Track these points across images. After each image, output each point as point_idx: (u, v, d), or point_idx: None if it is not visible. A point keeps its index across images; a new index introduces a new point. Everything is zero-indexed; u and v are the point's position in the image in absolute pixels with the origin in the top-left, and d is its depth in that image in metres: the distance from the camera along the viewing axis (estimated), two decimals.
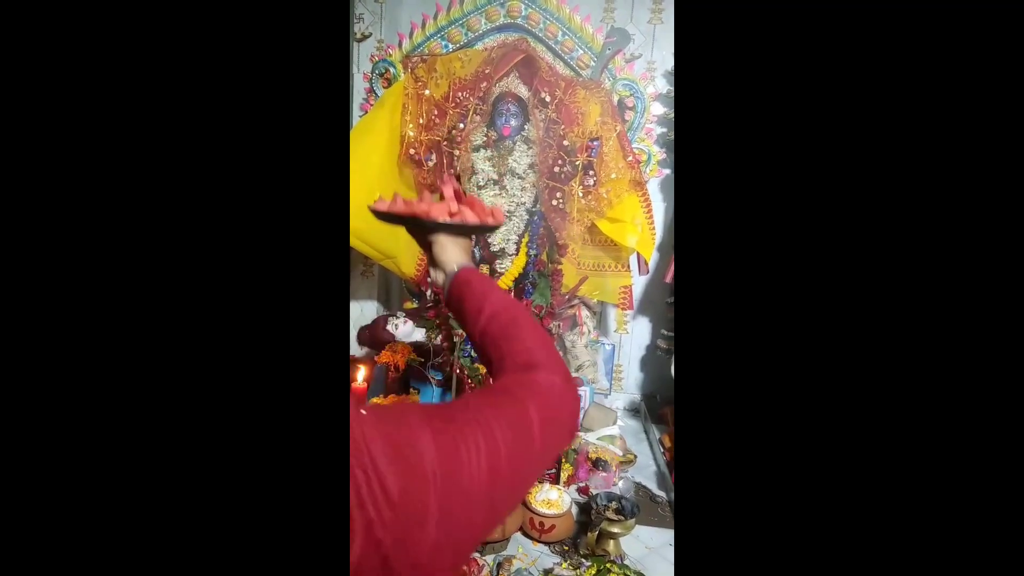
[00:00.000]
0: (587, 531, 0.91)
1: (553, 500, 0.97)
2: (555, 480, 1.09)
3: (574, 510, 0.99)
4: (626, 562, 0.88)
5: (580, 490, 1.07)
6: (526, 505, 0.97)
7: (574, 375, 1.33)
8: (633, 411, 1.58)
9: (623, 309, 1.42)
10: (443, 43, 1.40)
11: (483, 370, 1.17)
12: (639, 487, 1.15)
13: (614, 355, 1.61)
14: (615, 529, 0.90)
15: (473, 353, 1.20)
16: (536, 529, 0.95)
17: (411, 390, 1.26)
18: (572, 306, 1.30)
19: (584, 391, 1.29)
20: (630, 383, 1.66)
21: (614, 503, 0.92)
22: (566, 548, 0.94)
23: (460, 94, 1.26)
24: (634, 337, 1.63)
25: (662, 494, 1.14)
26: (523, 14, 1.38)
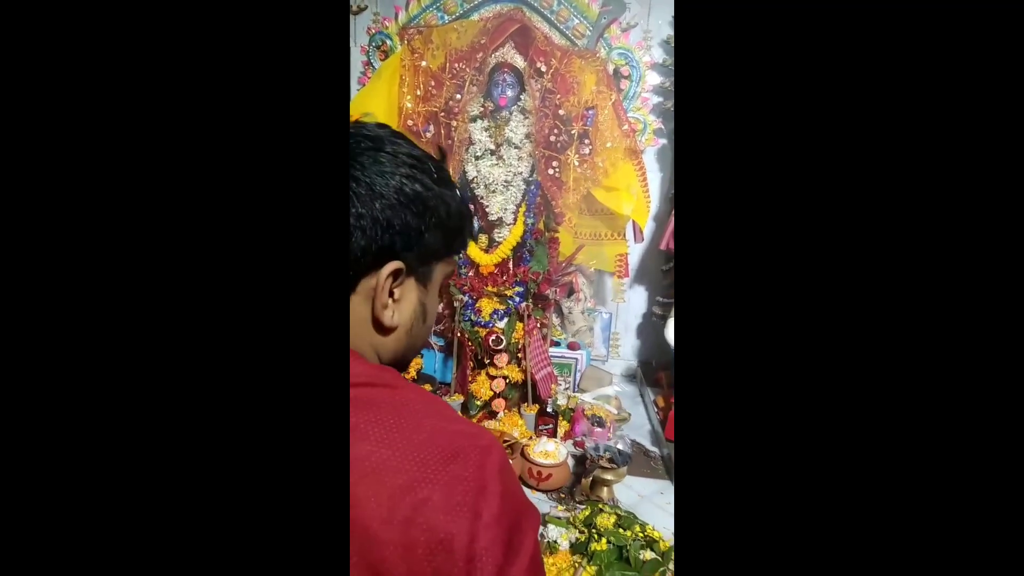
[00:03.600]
0: (582, 479, 0.97)
1: (550, 451, 1.03)
2: (553, 434, 1.15)
3: (570, 462, 1.05)
4: (627, 510, 0.94)
5: (576, 444, 1.13)
6: (524, 456, 1.03)
7: (571, 340, 1.38)
8: (630, 376, 1.63)
9: (619, 277, 1.46)
10: (439, 14, 1.41)
11: (483, 333, 1.22)
12: (634, 443, 1.21)
13: (611, 323, 1.65)
14: (608, 476, 0.96)
15: (473, 317, 1.25)
16: (534, 478, 1.01)
17: None
18: (569, 274, 1.34)
19: (580, 355, 1.34)
20: (627, 350, 1.71)
21: (607, 452, 0.98)
22: (563, 496, 1.00)
23: (456, 65, 1.28)
24: (631, 305, 1.67)
25: (655, 449, 1.20)
26: None
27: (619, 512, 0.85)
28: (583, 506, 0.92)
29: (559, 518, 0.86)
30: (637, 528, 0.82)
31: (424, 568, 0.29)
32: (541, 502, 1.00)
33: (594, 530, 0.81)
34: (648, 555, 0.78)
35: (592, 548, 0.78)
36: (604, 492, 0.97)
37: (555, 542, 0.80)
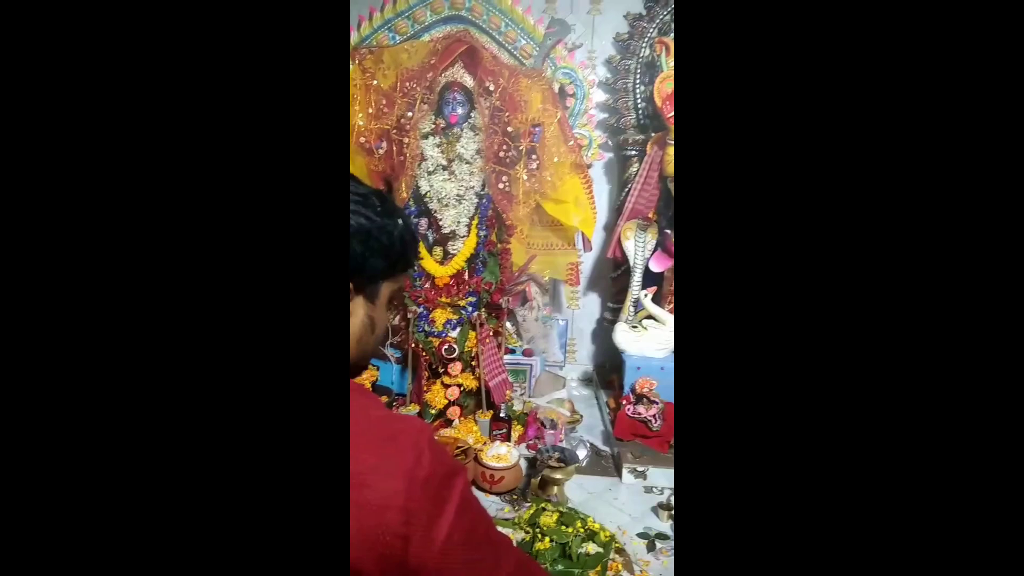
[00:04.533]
0: (531, 480, 1.01)
1: (503, 455, 1.07)
2: (506, 438, 1.19)
3: (523, 463, 1.10)
4: (569, 506, 0.98)
5: (529, 447, 1.17)
6: (477, 461, 1.06)
7: (525, 347, 1.43)
8: (586, 380, 1.69)
9: (571, 284, 1.52)
10: (390, 35, 1.45)
11: (436, 343, 1.26)
12: (583, 441, 1.26)
13: (567, 330, 1.72)
14: (557, 476, 1.01)
15: (427, 328, 1.28)
16: (487, 481, 1.05)
17: (370, 367, 1.33)
18: (521, 283, 1.39)
19: (534, 361, 1.39)
20: (583, 355, 1.78)
21: (556, 453, 1.03)
22: (514, 497, 1.04)
23: (407, 84, 1.32)
24: (585, 312, 1.74)
25: (607, 449, 1.26)
26: (467, 6, 1.44)
27: (561, 509, 0.89)
28: (528, 503, 0.97)
29: (506, 519, 0.90)
30: (579, 524, 0.85)
31: (373, 522, 0.37)
32: (493, 504, 1.04)
33: (538, 529, 0.85)
34: (591, 548, 0.82)
35: (536, 548, 0.82)
36: (554, 491, 1.02)
37: None
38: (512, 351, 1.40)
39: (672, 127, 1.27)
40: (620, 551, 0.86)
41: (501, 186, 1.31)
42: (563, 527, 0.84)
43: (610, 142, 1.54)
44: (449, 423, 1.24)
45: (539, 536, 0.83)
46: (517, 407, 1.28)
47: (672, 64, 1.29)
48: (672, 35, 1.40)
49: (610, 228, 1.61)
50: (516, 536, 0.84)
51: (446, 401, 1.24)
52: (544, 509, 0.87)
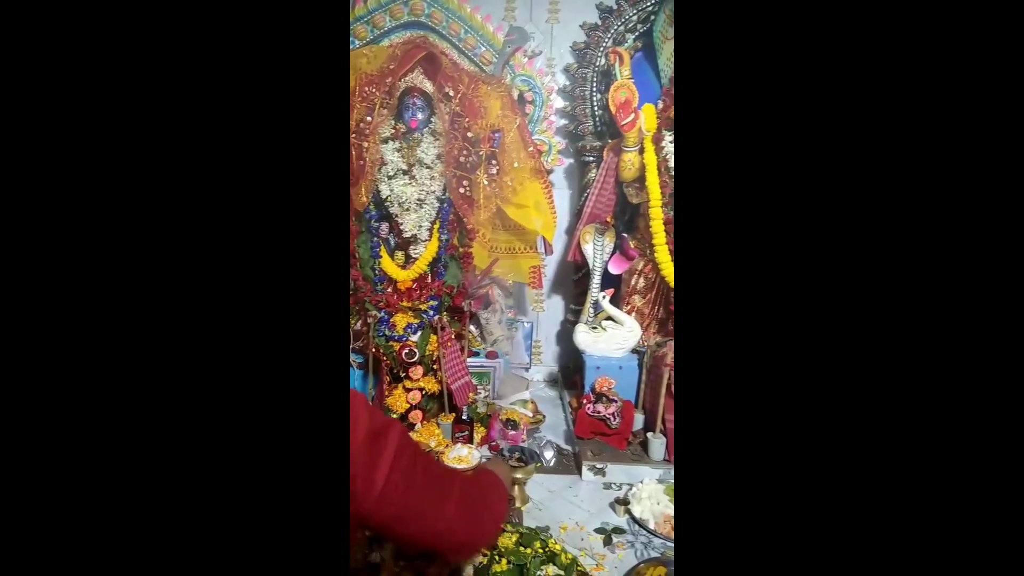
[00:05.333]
0: None
1: (463, 456, 1.08)
2: (468, 440, 1.20)
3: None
4: (529, 526, 0.95)
5: (491, 448, 1.19)
6: (439, 463, 1.07)
7: (489, 349, 1.45)
8: (552, 382, 1.72)
9: (533, 287, 1.55)
10: (350, 40, 1.45)
11: (396, 347, 1.26)
12: (551, 443, 1.29)
13: (532, 332, 1.74)
14: (518, 475, 1.02)
15: (388, 332, 1.28)
16: None
17: None
18: (484, 286, 1.41)
19: (498, 363, 1.40)
20: (548, 356, 1.80)
21: (517, 453, 1.04)
22: None
23: (367, 88, 1.32)
24: (550, 314, 1.77)
25: (568, 447, 1.28)
26: (426, 12, 1.45)
27: (521, 530, 0.87)
28: None
29: None
30: (537, 544, 0.83)
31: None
32: None
33: (495, 551, 0.82)
34: (551, 570, 0.80)
35: (493, 570, 0.79)
36: (516, 490, 1.03)
37: (459, 570, 0.81)
38: (476, 354, 1.41)
39: (626, 134, 1.31)
40: (583, 575, 0.84)
41: (462, 190, 1.33)
42: (521, 548, 0.82)
43: (570, 148, 1.57)
44: (412, 427, 1.24)
45: (496, 558, 0.81)
46: (481, 409, 1.29)
47: (626, 73, 1.33)
48: (626, 45, 1.45)
49: (572, 232, 1.64)
50: (474, 559, 0.83)
51: (408, 405, 1.24)
52: (503, 530, 0.86)
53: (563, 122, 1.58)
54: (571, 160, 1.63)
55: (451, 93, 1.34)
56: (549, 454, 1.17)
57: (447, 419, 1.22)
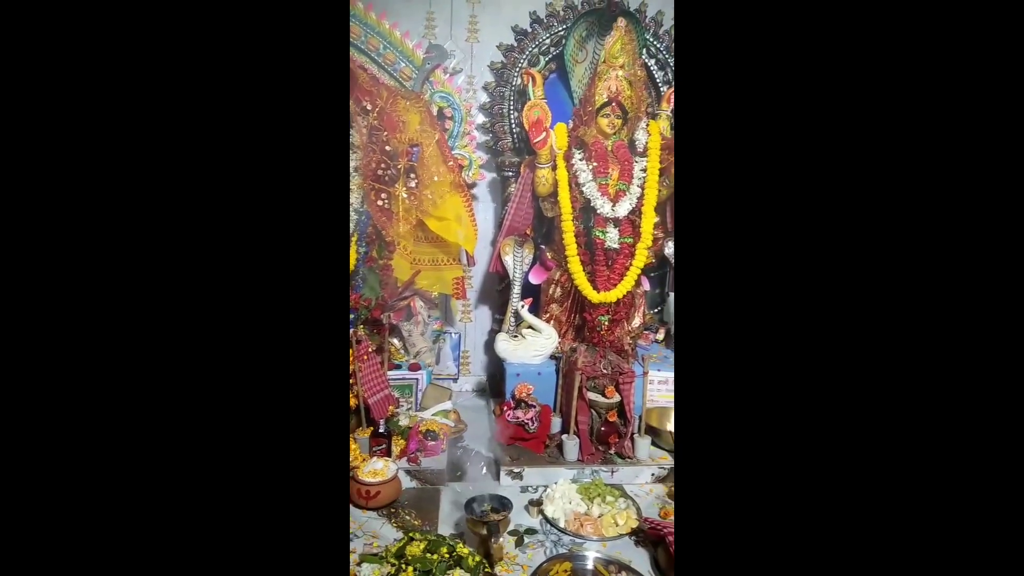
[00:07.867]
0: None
1: (379, 469, 1.07)
2: (386, 453, 1.19)
3: (401, 475, 1.11)
4: (437, 533, 0.93)
5: (410, 459, 1.19)
6: (354, 478, 1.06)
7: (412, 361, 1.45)
8: (480, 391, 1.74)
9: (457, 298, 1.57)
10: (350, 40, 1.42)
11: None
12: (471, 450, 1.30)
13: (460, 343, 1.76)
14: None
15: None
16: (363, 497, 1.05)
17: None
18: (405, 298, 1.41)
19: (420, 375, 1.41)
20: (476, 366, 1.82)
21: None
22: (392, 511, 1.04)
23: None
24: (477, 324, 1.80)
25: (490, 454, 1.31)
26: None
27: (429, 538, 0.88)
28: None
29: (373, 555, 0.87)
30: (444, 550, 0.85)
31: None
32: (372, 520, 1.04)
33: (403, 561, 0.83)
34: (457, 573, 0.82)
35: None
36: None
37: None
38: (398, 366, 1.40)
39: (539, 152, 1.38)
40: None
41: (380, 203, 1.33)
42: (428, 555, 0.84)
43: (492, 163, 1.62)
44: None
45: (403, 567, 0.82)
46: (403, 422, 1.29)
47: (539, 93, 1.40)
48: (539, 66, 1.52)
49: (494, 244, 1.69)
50: (382, 570, 0.83)
51: None
52: (412, 539, 0.87)
53: (484, 138, 1.63)
54: (493, 175, 1.68)
55: (368, 107, 1.34)
56: (478, 466, 1.14)
57: (364, 433, 1.21)
